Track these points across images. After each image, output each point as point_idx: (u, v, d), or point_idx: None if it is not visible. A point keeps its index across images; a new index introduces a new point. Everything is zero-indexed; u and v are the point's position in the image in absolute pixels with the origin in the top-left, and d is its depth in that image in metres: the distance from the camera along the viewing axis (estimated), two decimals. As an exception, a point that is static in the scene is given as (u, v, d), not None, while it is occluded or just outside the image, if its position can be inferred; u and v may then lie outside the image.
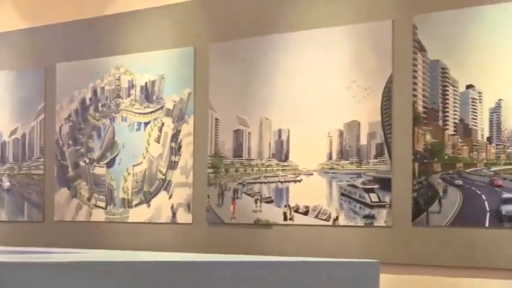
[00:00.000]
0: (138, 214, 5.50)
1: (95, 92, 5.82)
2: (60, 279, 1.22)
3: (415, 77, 4.23)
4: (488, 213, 3.94)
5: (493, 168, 3.98)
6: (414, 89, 4.22)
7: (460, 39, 4.05)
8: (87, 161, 5.83)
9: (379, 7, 4.35)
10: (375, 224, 4.36)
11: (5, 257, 1.61)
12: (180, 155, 5.30)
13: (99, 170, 5.76)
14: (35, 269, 1.21)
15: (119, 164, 5.66)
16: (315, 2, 4.62)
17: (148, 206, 5.46)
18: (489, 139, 4.00)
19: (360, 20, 4.43)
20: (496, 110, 3.96)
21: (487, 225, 3.93)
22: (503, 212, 3.90)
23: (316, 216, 4.60)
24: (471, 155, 4.06)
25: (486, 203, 3.97)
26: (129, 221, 5.55)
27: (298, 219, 4.68)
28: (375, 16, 4.37)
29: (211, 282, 1.51)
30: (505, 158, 3.95)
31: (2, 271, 1.14)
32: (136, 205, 5.53)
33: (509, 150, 3.93)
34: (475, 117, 4.04)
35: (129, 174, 5.59)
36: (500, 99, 3.93)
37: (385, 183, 4.35)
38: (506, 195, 3.91)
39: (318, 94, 4.60)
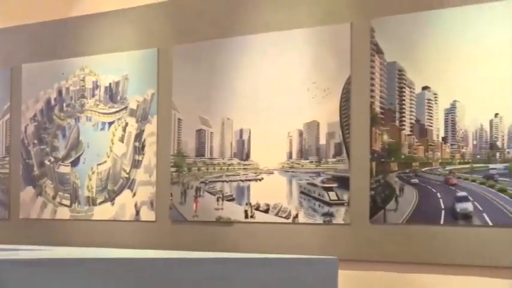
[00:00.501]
0: (103, 212, 5.41)
1: (60, 92, 5.71)
2: (27, 275, 1.18)
3: (372, 79, 4.19)
4: (443, 211, 3.92)
5: (447, 167, 3.96)
6: (372, 90, 4.19)
7: (417, 42, 4.02)
8: (52, 160, 5.72)
9: (338, 11, 4.31)
10: (334, 222, 4.31)
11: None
12: (143, 154, 5.23)
13: (64, 169, 5.65)
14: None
15: (84, 163, 5.56)
16: (276, 6, 4.56)
17: (113, 204, 5.37)
18: (444, 139, 3.98)
19: (319, 23, 4.39)
20: (451, 111, 3.94)
21: (442, 222, 3.91)
22: (458, 210, 3.87)
23: (277, 214, 4.55)
24: (427, 155, 4.04)
25: (441, 201, 3.95)
26: (93, 218, 5.45)
27: (259, 217, 4.63)
28: (334, 19, 4.33)
29: (172, 278, 1.47)
30: (460, 157, 3.93)
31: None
32: (100, 203, 5.44)
33: (464, 150, 3.91)
34: (430, 117, 4.02)
35: (93, 173, 5.50)
36: (455, 101, 3.91)
37: (344, 182, 4.30)
38: (460, 193, 3.89)
39: (279, 95, 4.55)
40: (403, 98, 4.11)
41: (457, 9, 3.86)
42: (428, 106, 4.02)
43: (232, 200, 4.81)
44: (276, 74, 4.56)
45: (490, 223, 3.76)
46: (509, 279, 3.65)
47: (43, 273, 1.20)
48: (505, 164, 3.79)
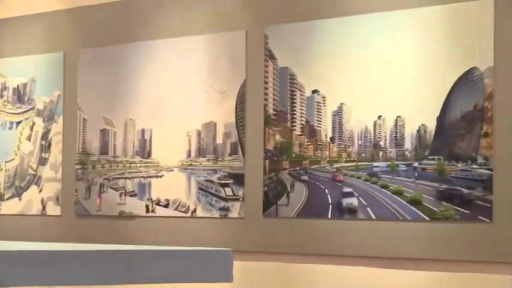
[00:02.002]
0: (10, 207, 5.11)
1: (-31, 93, 5.32)
2: None
3: (266, 83, 4.08)
4: (330, 206, 3.83)
5: (335, 165, 3.88)
6: (265, 93, 4.07)
7: (307, 49, 3.91)
8: (-39, 157, 5.32)
9: (234, 18, 4.18)
10: (230, 216, 4.17)
11: None
12: (50, 152, 4.96)
13: (-28, 166, 5.27)
14: None
15: (-9, 160, 5.22)
16: (176, 13, 4.40)
17: (20, 199, 5.07)
18: (332, 139, 3.90)
19: (216, 30, 4.25)
20: (338, 113, 3.85)
21: (329, 216, 3.81)
22: (344, 205, 3.79)
23: (176, 209, 4.39)
24: (316, 153, 3.94)
25: (329, 196, 3.86)
26: (1, 213, 5.15)
27: (160, 211, 4.46)
28: (230, 27, 4.19)
29: (74, 270, 1.26)
30: (346, 156, 3.86)
31: None
32: (8, 198, 5.14)
33: (350, 149, 3.84)
34: (319, 119, 3.93)
35: (1, 169, 5.19)
36: (342, 103, 3.83)
37: (239, 179, 4.17)
38: (346, 189, 3.81)
39: (178, 97, 4.39)
40: (294, 100, 3.99)
41: (343, 19, 3.78)
42: (318, 108, 3.92)
43: (134, 195, 4.61)
44: (175, 78, 4.40)
45: (374, 217, 3.68)
46: (392, 268, 3.55)
47: None
48: (387, 162, 3.74)
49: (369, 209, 3.69)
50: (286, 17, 3.95)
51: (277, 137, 3.99)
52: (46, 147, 4.94)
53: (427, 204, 3.54)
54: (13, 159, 5.11)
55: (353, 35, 3.74)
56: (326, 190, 3.85)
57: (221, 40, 4.21)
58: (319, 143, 3.90)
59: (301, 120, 3.96)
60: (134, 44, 4.54)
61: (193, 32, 4.29)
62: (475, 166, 3.46)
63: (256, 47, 4.07)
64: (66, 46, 4.85)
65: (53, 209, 4.84)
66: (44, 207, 4.90)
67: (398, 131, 3.66)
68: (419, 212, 3.55)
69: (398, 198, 3.62)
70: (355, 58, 3.73)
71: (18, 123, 5.10)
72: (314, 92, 3.90)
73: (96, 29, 4.72)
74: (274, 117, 4.01)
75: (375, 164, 3.76)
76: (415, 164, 3.64)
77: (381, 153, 3.75)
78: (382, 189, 3.68)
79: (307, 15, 3.87)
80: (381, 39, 3.66)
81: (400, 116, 3.64)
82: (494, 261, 3.32)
